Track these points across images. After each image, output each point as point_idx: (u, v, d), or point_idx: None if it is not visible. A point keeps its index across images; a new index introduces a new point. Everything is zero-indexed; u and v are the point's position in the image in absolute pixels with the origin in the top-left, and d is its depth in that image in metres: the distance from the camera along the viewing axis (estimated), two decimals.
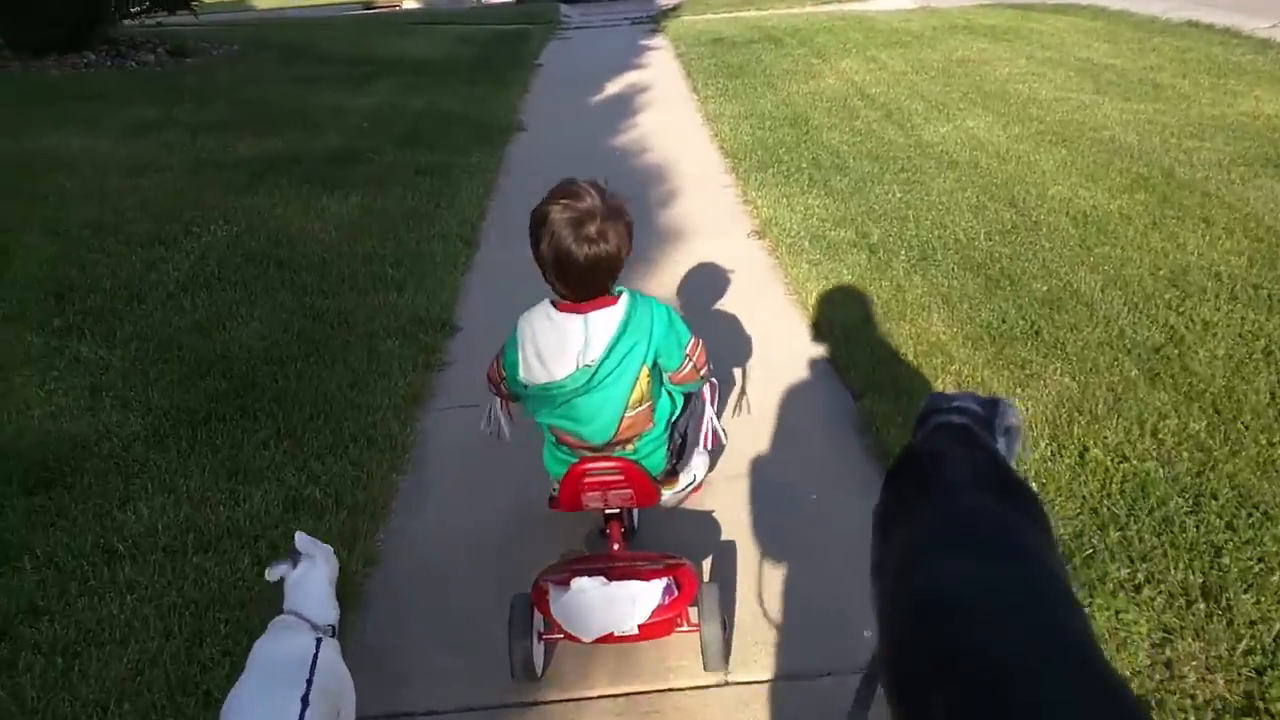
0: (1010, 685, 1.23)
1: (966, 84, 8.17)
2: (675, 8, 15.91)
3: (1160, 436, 3.06)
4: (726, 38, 11.60)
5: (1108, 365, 3.53)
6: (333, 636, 1.97)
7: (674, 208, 5.78)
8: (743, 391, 3.11)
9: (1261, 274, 4.12)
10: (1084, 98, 7.44)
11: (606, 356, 2.20)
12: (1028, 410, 3.24)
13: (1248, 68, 8.22)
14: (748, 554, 2.73)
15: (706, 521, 2.88)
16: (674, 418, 2.50)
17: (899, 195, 5.46)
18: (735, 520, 2.89)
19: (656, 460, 2.44)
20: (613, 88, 9.62)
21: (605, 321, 2.21)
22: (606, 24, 15.39)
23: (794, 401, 3.58)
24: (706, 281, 4.64)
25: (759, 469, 3.17)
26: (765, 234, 5.16)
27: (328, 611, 2.00)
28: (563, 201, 2.15)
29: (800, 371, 3.78)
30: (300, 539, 2.04)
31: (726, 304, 4.39)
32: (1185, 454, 2.96)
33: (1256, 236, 4.50)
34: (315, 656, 1.82)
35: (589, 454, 2.35)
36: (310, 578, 2.00)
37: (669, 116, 8.19)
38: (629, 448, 2.38)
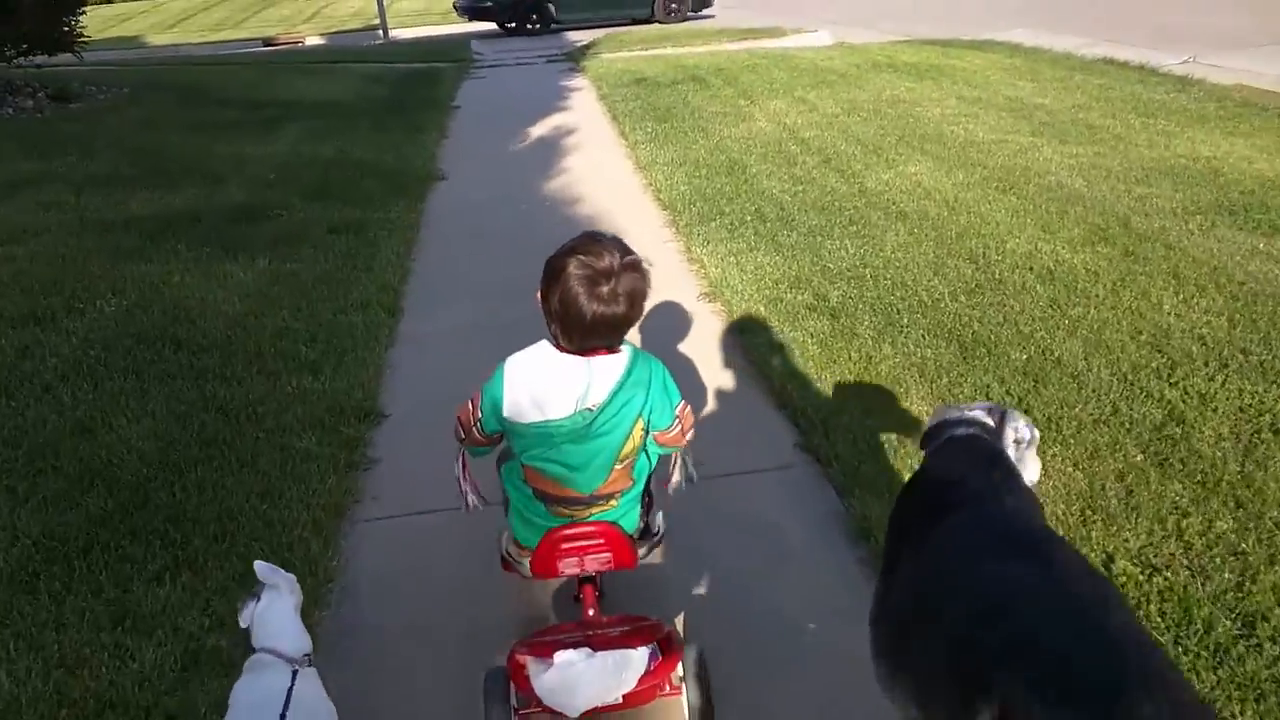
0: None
1: (900, 126, 8.00)
2: (590, 45, 15.64)
3: (1187, 538, 2.76)
4: (649, 78, 11.32)
5: (1109, 448, 3.23)
6: (309, 665, 1.97)
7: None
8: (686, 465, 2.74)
9: (1246, 337, 3.91)
10: (1021, 139, 7.32)
11: (609, 403, 2.10)
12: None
13: (1173, 106, 8.24)
14: (719, 611, 2.63)
15: (672, 577, 2.76)
16: (648, 474, 2.38)
17: (852, 251, 5.17)
18: (707, 575, 2.76)
19: (632, 519, 2.34)
20: (536, 131, 9.22)
21: (609, 368, 2.12)
22: (521, 61, 15.01)
23: (772, 498, 3.20)
24: (659, 349, 4.20)
25: (725, 559, 2.77)
26: (716, 296, 4.79)
27: (299, 641, 1.99)
28: (581, 257, 2.06)
29: (774, 456, 3.40)
30: (260, 568, 2.02)
31: (684, 375, 3.98)
32: (1219, 560, 2.65)
33: (1231, 294, 4.31)
34: (290, 690, 1.83)
35: (564, 509, 2.24)
36: (275, 610, 1.99)
37: (598, 162, 7.82)
38: (611, 504, 2.26)
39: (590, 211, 6.44)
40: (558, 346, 2.14)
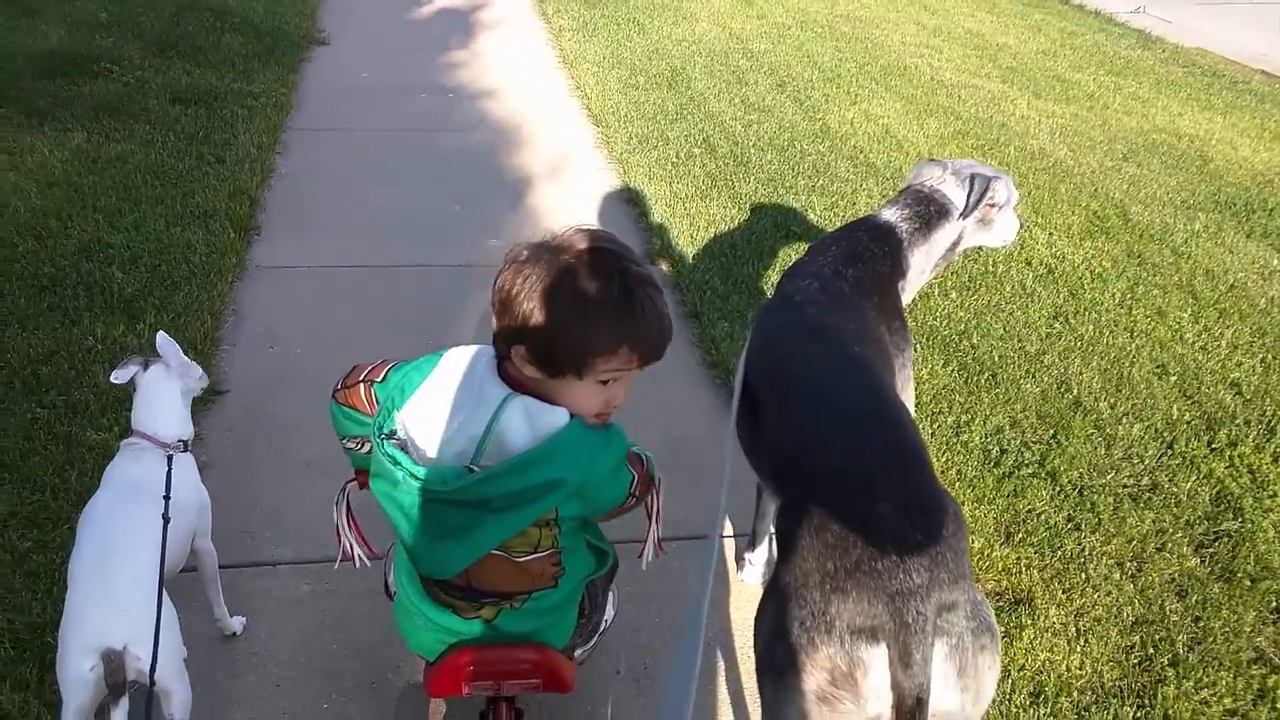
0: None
1: (860, 51, 7.10)
2: None
3: (1277, 704, 2.13)
4: None
5: (1157, 543, 2.58)
6: (184, 452, 1.90)
7: (537, 198, 4.40)
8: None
9: None
10: (992, 87, 6.56)
11: (503, 474, 1.36)
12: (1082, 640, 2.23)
13: (1141, 66, 7.63)
14: None
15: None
16: (592, 576, 1.65)
17: (820, 210, 4.34)
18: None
19: (563, 630, 1.63)
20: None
21: (530, 424, 1.38)
22: None
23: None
24: None
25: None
26: (660, 255, 3.90)
27: (176, 427, 1.91)
28: (628, 257, 1.40)
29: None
30: (162, 340, 1.93)
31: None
32: None
33: (1258, 326, 3.71)
34: (169, 474, 1.78)
35: (443, 594, 1.54)
36: (157, 390, 1.91)
37: (516, 49, 6.64)
38: (509, 605, 1.53)
39: (507, 115, 5.35)
40: (499, 365, 1.44)
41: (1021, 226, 2.39)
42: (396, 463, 1.41)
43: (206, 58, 5.52)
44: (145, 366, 1.93)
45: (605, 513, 1.55)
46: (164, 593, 1.66)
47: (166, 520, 1.70)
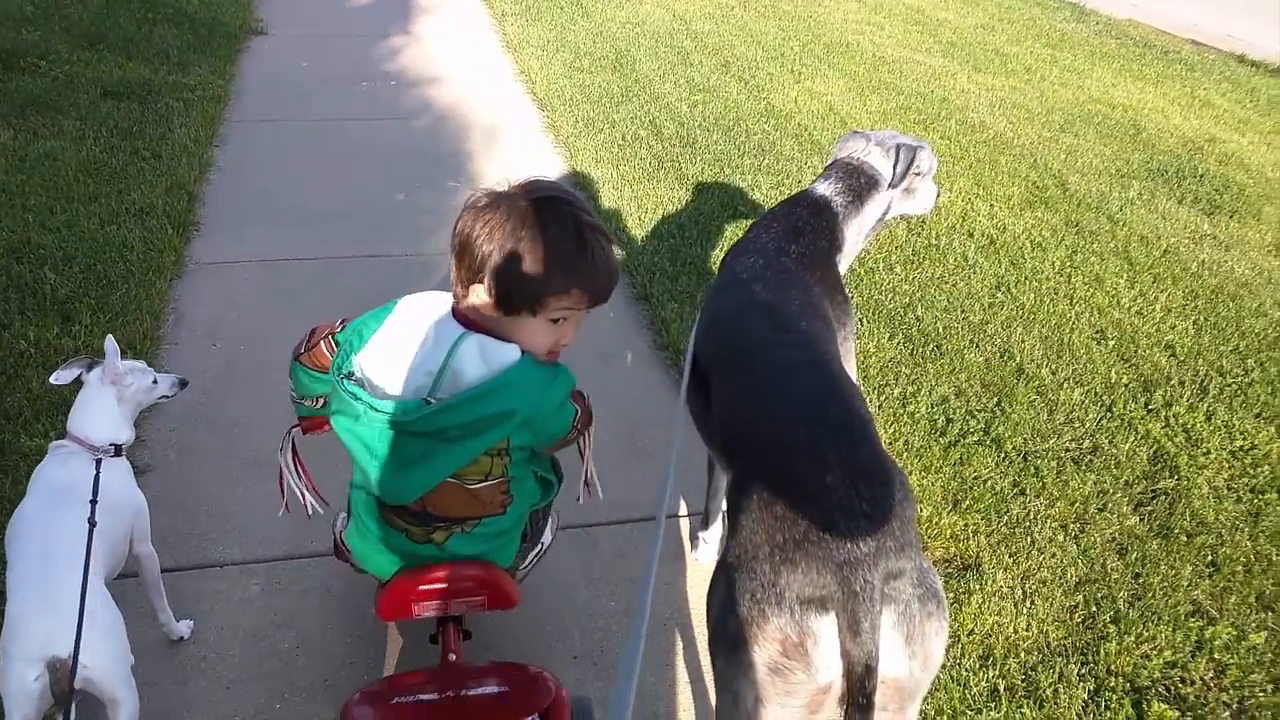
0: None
1: (802, 30, 7.14)
2: None
3: (1217, 657, 2.21)
4: None
5: (1098, 506, 2.65)
6: (116, 456, 1.87)
7: (484, 183, 4.31)
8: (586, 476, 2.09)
9: (1217, 349, 3.42)
10: (933, 62, 6.63)
11: (458, 406, 1.48)
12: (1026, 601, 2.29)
13: (1076, 38, 7.77)
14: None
15: (553, 597, 2.16)
16: (537, 505, 1.79)
17: (766, 188, 4.37)
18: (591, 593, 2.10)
19: (508, 554, 1.76)
20: None
21: (483, 358, 1.50)
22: None
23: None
24: None
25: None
26: (610, 241, 3.89)
27: (108, 431, 1.88)
28: (572, 199, 1.53)
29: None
30: (110, 346, 1.88)
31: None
32: (1263, 697, 2.12)
33: (1190, 289, 3.81)
34: (96, 479, 1.75)
35: (398, 519, 1.65)
36: (94, 392, 1.88)
37: (458, 34, 6.57)
38: (459, 530, 1.65)
39: (451, 101, 5.30)
40: (455, 306, 1.55)
41: (939, 194, 2.43)
42: (357, 398, 1.50)
43: (139, 50, 5.39)
44: (89, 368, 1.91)
45: (551, 443, 1.69)
46: (109, 599, 1.66)
47: (92, 525, 1.66)
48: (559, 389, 1.56)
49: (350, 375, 1.54)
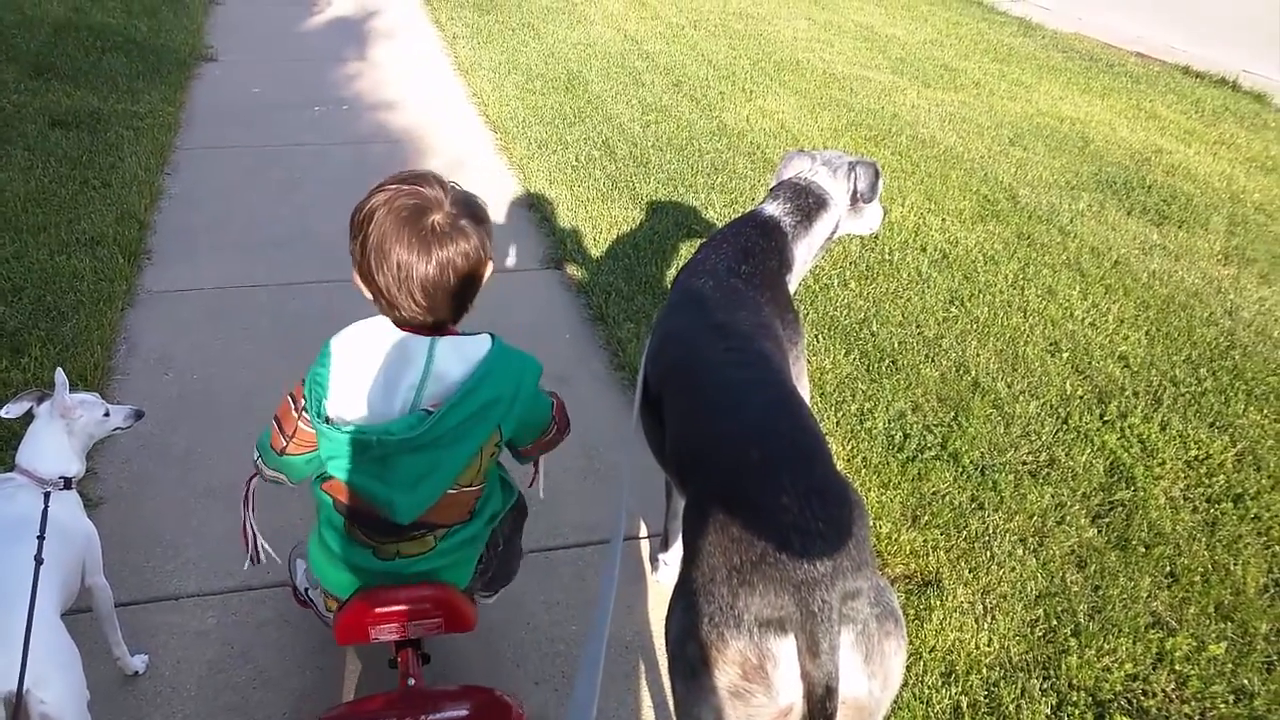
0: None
1: (753, 48, 7.19)
2: None
3: (1178, 669, 2.22)
4: None
5: (1057, 519, 2.67)
6: (65, 489, 1.85)
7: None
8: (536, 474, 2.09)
9: (1169, 359, 3.47)
10: (883, 78, 6.71)
11: (457, 404, 1.50)
12: (985, 615, 2.29)
13: (1023, 52, 7.91)
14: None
15: (513, 622, 2.13)
16: (500, 516, 1.78)
17: (720, 207, 4.38)
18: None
19: (467, 568, 1.75)
20: (331, 9, 7.73)
21: (461, 355, 1.54)
22: None
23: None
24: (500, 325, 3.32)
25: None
26: (566, 260, 3.89)
27: (56, 464, 1.85)
28: (398, 186, 1.48)
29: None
30: (60, 378, 1.87)
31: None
32: (1224, 708, 2.13)
33: (1141, 300, 3.87)
34: (45, 513, 1.74)
35: (365, 535, 1.65)
36: (43, 425, 1.87)
37: (410, 57, 6.54)
38: (428, 542, 1.67)
39: (404, 124, 5.27)
40: (396, 324, 1.56)
41: (886, 213, 2.48)
42: (363, 432, 1.48)
43: (87, 79, 5.30)
44: (39, 401, 1.90)
45: (536, 432, 1.71)
46: (64, 633, 1.62)
47: (39, 562, 1.62)
48: (532, 366, 1.61)
49: (328, 420, 1.52)
